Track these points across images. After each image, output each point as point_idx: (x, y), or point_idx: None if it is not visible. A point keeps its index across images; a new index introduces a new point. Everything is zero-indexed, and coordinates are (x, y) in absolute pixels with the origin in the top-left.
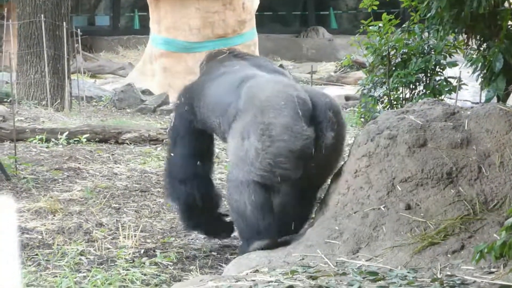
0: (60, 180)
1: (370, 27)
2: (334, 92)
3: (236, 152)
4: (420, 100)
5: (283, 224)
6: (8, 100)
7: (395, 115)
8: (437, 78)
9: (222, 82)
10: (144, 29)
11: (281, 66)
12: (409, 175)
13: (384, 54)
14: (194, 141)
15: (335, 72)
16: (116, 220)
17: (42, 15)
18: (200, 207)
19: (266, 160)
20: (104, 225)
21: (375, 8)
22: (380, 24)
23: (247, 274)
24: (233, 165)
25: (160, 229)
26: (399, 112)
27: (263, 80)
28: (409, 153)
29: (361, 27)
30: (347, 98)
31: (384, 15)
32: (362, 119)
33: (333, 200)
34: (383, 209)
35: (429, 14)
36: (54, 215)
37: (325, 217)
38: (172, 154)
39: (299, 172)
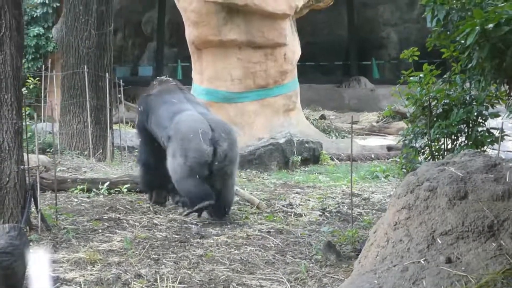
0: (100, 231)
1: (411, 78)
2: (376, 142)
3: (172, 165)
4: (461, 152)
5: (217, 206)
6: (51, 150)
7: (435, 167)
8: (479, 129)
9: (165, 110)
10: (187, 79)
11: (322, 116)
12: (449, 228)
13: (425, 104)
14: (149, 135)
15: (377, 122)
16: (155, 271)
17: (85, 66)
18: (153, 173)
19: (187, 167)
20: (142, 276)
21: (416, 58)
22: (421, 75)
23: None
24: (171, 172)
25: (199, 280)
26: (439, 164)
27: (184, 117)
28: (450, 206)
29: (402, 77)
30: (389, 148)
31: (425, 65)
32: (404, 170)
33: (373, 252)
34: (423, 262)
35: (470, 65)
36: (93, 266)
37: (364, 269)
38: (139, 139)
39: (206, 171)
